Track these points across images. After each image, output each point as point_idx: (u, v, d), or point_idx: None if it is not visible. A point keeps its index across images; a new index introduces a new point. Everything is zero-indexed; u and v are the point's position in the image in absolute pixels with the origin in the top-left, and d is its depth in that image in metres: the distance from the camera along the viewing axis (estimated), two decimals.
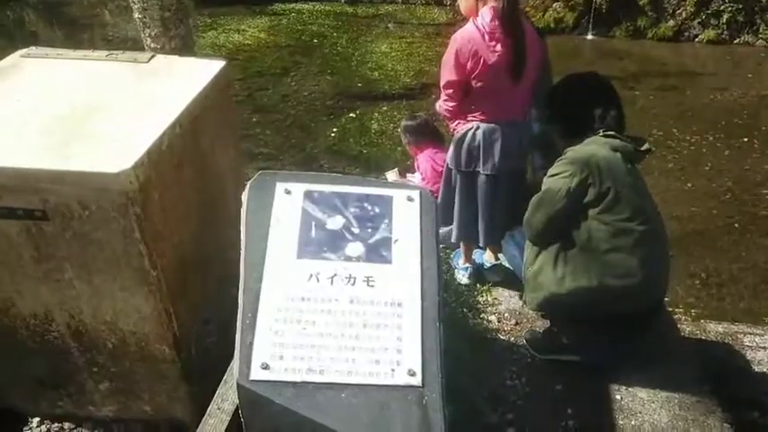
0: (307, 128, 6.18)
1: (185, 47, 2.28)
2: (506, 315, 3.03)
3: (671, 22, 7.98)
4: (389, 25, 8.24)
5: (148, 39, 2.24)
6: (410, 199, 1.63)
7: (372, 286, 1.49)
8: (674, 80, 7.18)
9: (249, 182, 1.63)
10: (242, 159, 2.49)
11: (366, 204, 1.61)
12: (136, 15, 2.21)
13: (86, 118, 1.89)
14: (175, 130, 1.88)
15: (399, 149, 5.86)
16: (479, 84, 2.84)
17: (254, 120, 6.23)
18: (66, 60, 2.22)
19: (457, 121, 3.00)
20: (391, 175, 4.26)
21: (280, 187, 1.61)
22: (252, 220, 1.56)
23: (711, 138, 6.02)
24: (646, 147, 2.56)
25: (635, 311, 2.49)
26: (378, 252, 1.56)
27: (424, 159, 3.89)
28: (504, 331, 2.93)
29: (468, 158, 2.98)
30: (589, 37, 8.23)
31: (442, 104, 3.01)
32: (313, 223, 1.58)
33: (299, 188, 1.62)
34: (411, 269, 1.53)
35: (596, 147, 2.44)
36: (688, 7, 7.95)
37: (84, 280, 1.89)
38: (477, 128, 2.92)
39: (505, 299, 3.16)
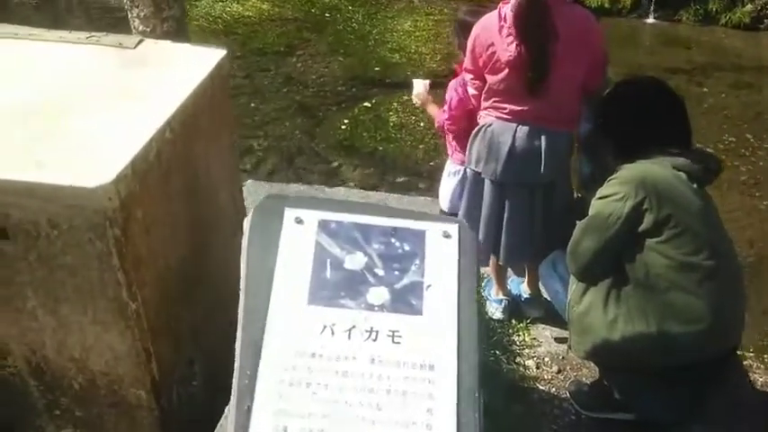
0: (313, 117, 6.15)
1: (179, 30, 2.23)
2: (547, 360, 2.97)
3: (749, 7, 7.87)
4: None
5: (136, 20, 2.20)
6: (447, 235, 1.57)
7: (398, 343, 1.43)
8: (749, 76, 7.08)
9: (253, 208, 1.58)
10: (238, 165, 2.45)
11: (393, 240, 1.55)
12: None
13: (60, 116, 1.85)
14: (165, 134, 1.83)
15: (421, 147, 5.82)
16: (493, 79, 2.85)
17: (252, 105, 6.20)
18: (38, 42, 2.18)
19: (479, 114, 3.01)
20: (419, 85, 3.80)
21: (289, 214, 1.55)
22: (255, 254, 1.51)
23: None
24: (716, 166, 2.51)
25: (702, 362, 2.43)
26: (406, 300, 1.50)
27: (454, 83, 3.35)
28: (545, 380, 2.87)
29: (476, 158, 2.99)
30: (650, 21, 8.13)
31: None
32: (329, 261, 1.52)
33: (312, 216, 1.56)
34: (446, 323, 1.46)
35: (655, 165, 2.40)
36: None
37: (49, 310, 1.85)
38: (491, 125, 2.91)
39: (546, 339, 3.09)
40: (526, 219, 2.95)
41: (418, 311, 1.49)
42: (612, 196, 2.39)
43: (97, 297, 1.80)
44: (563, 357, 2.98)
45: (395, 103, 6.27)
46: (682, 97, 2.58)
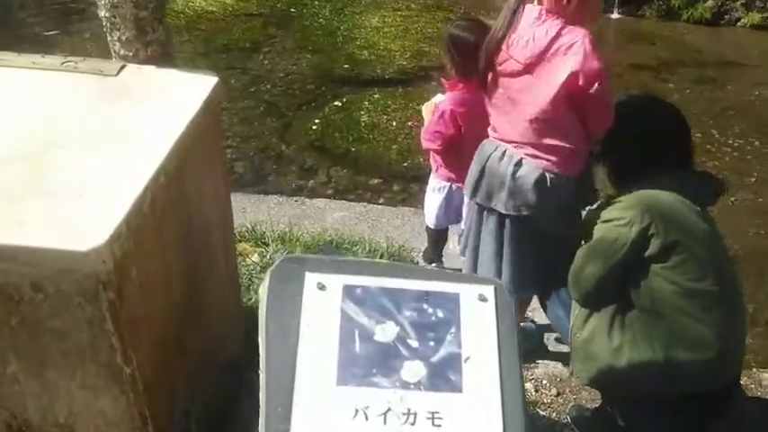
0: (283, 117, 5.91)
1: (164, 55, 2.02)
2: (545, 382, 2.85)
3: (709, 2, 7.85)
4: None
5: (117, 44, 1.98)
6: (483, 298, 1.42)
7: (439, 425, 1.27)
8: (712, 71, 7.06)
9: (269, 271, 1.39)
10: (229, 196, 2.25)
11: (425, 306, 1.39)
12: (102, 13, 1.95)
13: (40, 159, 1.63)
14: (159, 180, 1.63)
15: (395, 147, 5.65)
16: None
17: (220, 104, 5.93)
18: (7, 69, 1.94)
19: None
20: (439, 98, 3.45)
21: (311, 280, 1.37)
22: (274, 327, 1.33)
23: (757, 142, 5.92)
24: (720, 188, 2.43)
25: (707, 390, 2.34)
26: (443, 375, 1.34)
27: (448, 100, 3.12)
28: (544, 404, 2.75)
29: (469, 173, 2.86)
30: (614, 16, 8.05)
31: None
32: (357, 333, 1.35)
33: (335, 282, 1.38)
34: (489, 400, 1.31)
35: (659, 188, 2.31)
36: None
37: (33, 374, 1.65)
38: (484, 142, 2.78)
39: (542, 360, 2.98)
40: (494, 247, 2.76)
41: (458, 388, 1.33)
42: (617, 220, 2.29)
43: (87, 361, 1.60)
44: (561, 379, 2.86)
45: (366, 102, 6.07)
46: (684, 116, 2.48)
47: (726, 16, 7.89)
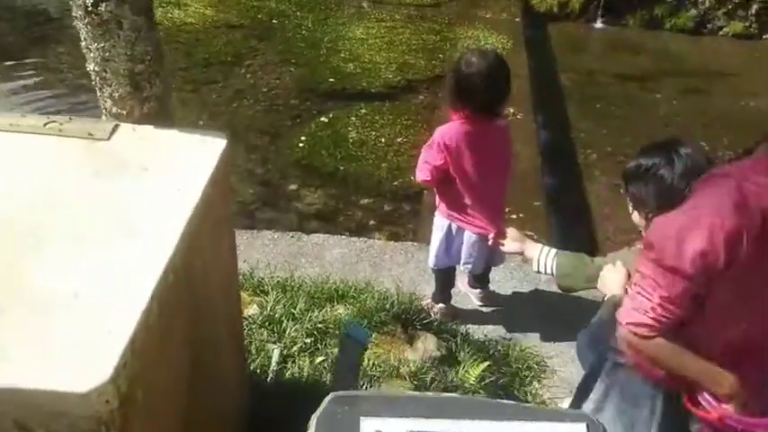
0: (267, 134, 5.60)
1: (161, 111, 1.72)
2: None
3: (692, 12, 7.69)
4: (363, 4, 7.61)
5: (108, 100, 1.67)
6: None
7: None
8: (696, 81, 6.89)
9: (315, 417, 1.11)
10: (236, 264, 1.96)
11: None
12: (90, 67, 1.64)
13: (22, 259, 1.33)
14: (168, 279, 1.34)
15: (384, 165, 5.37)
16: None
17: (201, 124, 5.60)
18: None
19: None
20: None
21: (367, 427, 1.09)
22: None
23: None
24: None
25: None
26: None
27: (439, 131, 2.84)
28: None
29: None
30: (598, 25, 7.86)
31: None
32: None
33: (397, 428, 1.10)
34: None
35: None
36: None
37: None
38: None
39: None
40: None
41: None
42: None
43: None
44: None
45: (353, 118, 5.78)
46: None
47: (708, 25, 7.73)
